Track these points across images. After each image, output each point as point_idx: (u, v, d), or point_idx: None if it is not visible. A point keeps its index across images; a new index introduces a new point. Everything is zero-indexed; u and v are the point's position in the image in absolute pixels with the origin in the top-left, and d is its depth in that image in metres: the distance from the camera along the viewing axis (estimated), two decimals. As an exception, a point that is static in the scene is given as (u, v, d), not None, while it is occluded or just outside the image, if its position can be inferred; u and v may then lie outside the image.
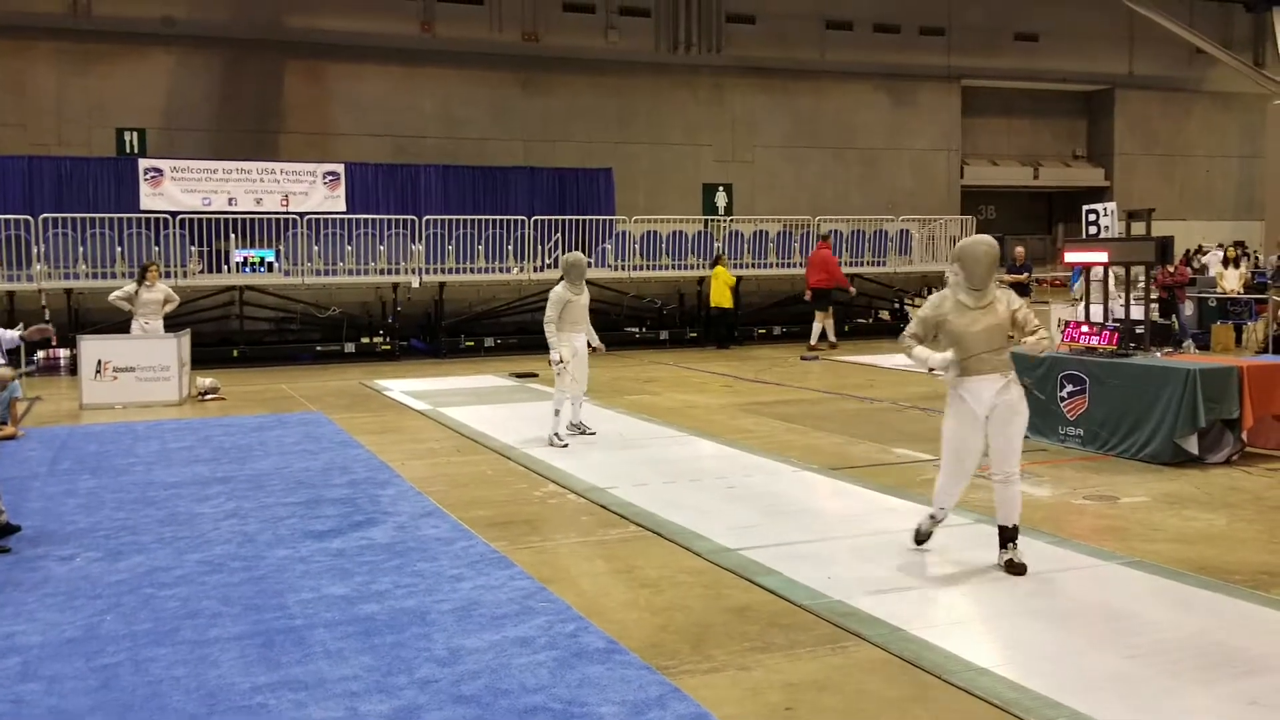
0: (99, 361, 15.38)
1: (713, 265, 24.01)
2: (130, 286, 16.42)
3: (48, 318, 19.81)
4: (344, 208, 25.52)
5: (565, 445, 11.61)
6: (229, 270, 22.40)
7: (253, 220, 22.87)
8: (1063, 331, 11.96)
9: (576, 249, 24.08)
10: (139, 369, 15.47)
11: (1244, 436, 10.53)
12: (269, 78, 32.92)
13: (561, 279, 11.94)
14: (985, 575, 6.89)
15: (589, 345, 12.18)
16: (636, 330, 24.08)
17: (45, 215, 21.04)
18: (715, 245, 25.16)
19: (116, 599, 6.55)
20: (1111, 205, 12.54)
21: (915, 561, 7.21)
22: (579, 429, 12.21)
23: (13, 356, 11.90)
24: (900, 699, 5.07)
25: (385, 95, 34.01)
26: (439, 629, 5.95)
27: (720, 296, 23.52)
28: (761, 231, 25.98)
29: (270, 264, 22.59)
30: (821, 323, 22.86)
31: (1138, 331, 11.77)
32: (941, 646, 5.64)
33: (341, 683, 5.21)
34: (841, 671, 5.39)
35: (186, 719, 4.88)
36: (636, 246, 24.41)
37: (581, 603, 6.41)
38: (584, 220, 25.19)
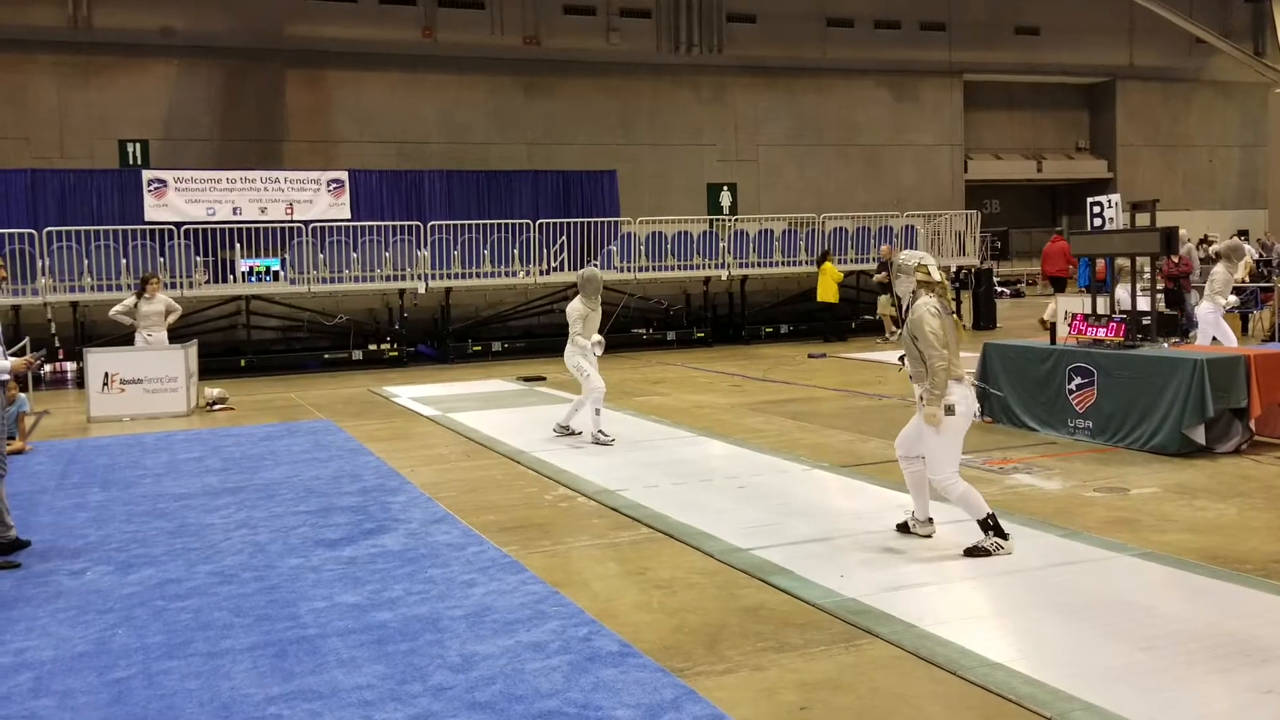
0: (106, 374, 15.37)
1: (819, 262, 24.31)
2: (130, 300, 16.38)
3: (54, 331, 19.90)
4: (349, 215, 25.58)
5: (612, 441, 11.82)
6: (235, 280, 22.44)
7: (258, 229, 22.89)
8: (1069, 324, 11.95)
9: (582, 251, 24.15)
10: (146, 381, 15.47)
11: (1252, 425, 10.51)
12: (271, 86, 32.97)
13: (577, 293, 12.23)
14: (997, 569, 6.87)
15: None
16: (643, 331, 24.08)
17: (49, 229, 21.05)
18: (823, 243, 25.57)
19: (128, 612, 6.54)
20: (1116, 197, 12.50)
21: (927, 558, 7.19)
22: (567, 430, 12.37)
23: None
24: (915, 696, 5.05)
25: (387, 102, 34.04)
26: (452, 635, 5.94)
27: (827, 292, 24.02)
28: (767, 230, 25.96)
29: (276, 273, 22.64)
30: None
31: (1144, 322, 11.74)
32: (955, 642, 5.63)
33: (355, 692, 5.20)
34: (856, 670, 5.38)
35: (201, 730, 4.88)
36: (642, 248, 24.39)
37: (594, 606, 6.40)
38: (589, 222, 25.19)
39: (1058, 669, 5.24)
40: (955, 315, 7.40)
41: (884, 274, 23.34)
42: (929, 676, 5.27)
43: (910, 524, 7.70)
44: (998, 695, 4.99)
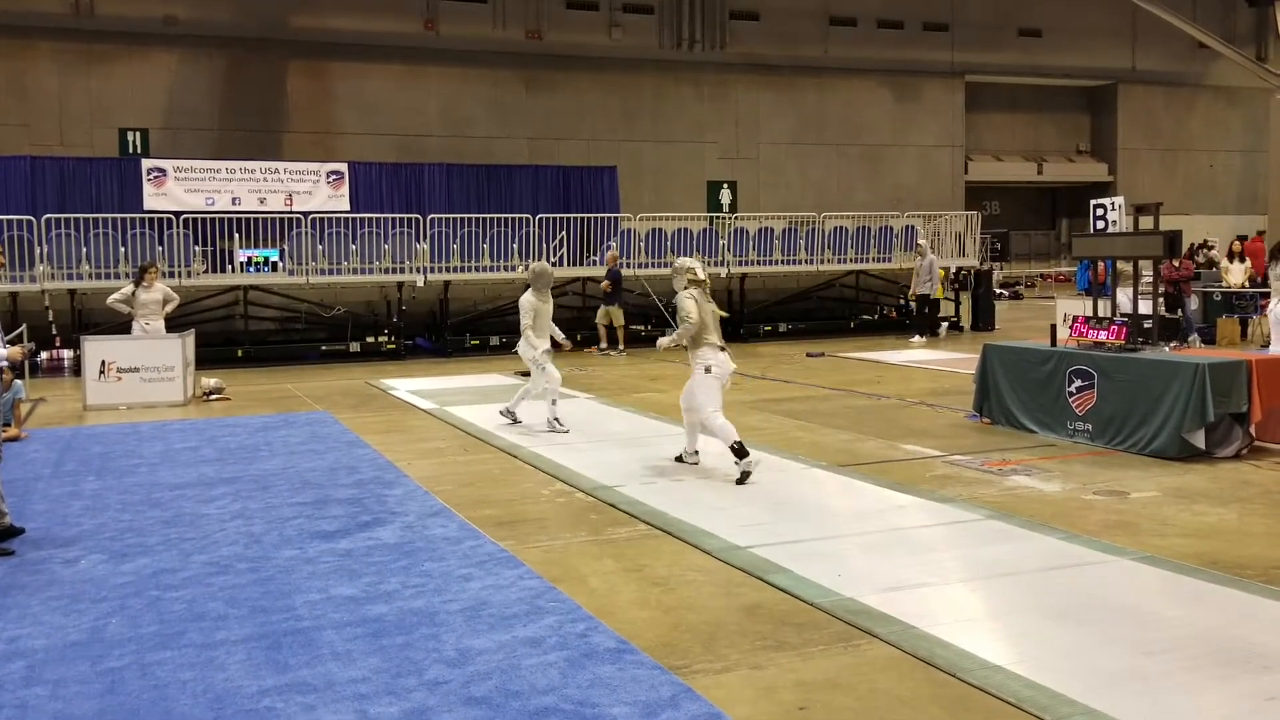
0: (103, 362, 15.32)
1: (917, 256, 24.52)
2: (128, 288, 16.32)
3: (51, 318, 19.86)
4: (348, 207, 25.49)
5: (567, 430, 12.27)
6: (233, 270, 22.38)
7: (257, 220, 22.83)
8: (1070, 326, 11.92)
9: (581, 247, 24.07)
10: (143, 369, 15.42)
11: (1253, 430, 10.48)
12: (272, 77, 32.89)
13: (528, 287, 12.51)
14: (997, 571, 6.85)
15: (555, 344, 12.78)
16: (642, 328, 24.00)
17: (48, 216, 21.01)
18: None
19: (122, 602, 6.50)
20: (1119, 199, 12.49)
21: (926, 558, 7.17)
22: (514, 418, 12.88)
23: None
24: (914, 697, 5.02)
25: (389, 94, 33.98)
26: (448, 629, 5.91)
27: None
28: (766, 229, 25.90)
29: (274, 264, 22.58)
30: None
31: (1145, 326, 11.71)
32: (954, 644, 5.59)
33: (350, 685, 5.16)
34: (854, 670, 5.34)
35: (194, 722, 4.84)
36: (641, 244, 24.34)
37: (591, 602, 6.36)
38: (589, 218, 25.14)
39: (1057, 673, 5.20)
40: (714, 304, 10.24)
41: (608, 283, 22.34)
42: (928, 678, 5.24)
43: (684, 456, 10.42)
44: (998, 698, 4.95)
